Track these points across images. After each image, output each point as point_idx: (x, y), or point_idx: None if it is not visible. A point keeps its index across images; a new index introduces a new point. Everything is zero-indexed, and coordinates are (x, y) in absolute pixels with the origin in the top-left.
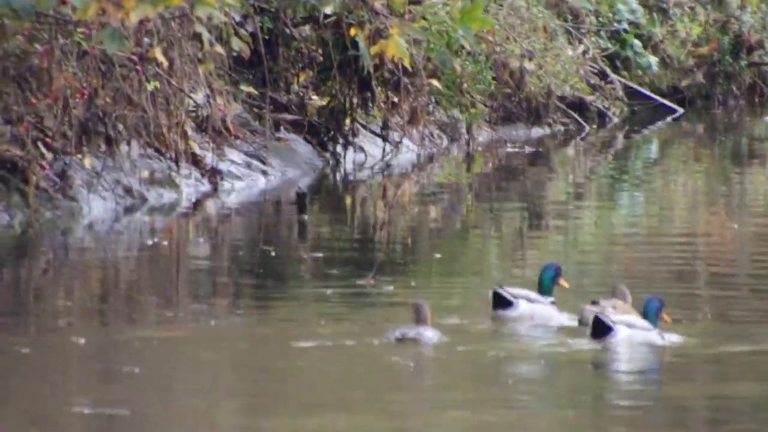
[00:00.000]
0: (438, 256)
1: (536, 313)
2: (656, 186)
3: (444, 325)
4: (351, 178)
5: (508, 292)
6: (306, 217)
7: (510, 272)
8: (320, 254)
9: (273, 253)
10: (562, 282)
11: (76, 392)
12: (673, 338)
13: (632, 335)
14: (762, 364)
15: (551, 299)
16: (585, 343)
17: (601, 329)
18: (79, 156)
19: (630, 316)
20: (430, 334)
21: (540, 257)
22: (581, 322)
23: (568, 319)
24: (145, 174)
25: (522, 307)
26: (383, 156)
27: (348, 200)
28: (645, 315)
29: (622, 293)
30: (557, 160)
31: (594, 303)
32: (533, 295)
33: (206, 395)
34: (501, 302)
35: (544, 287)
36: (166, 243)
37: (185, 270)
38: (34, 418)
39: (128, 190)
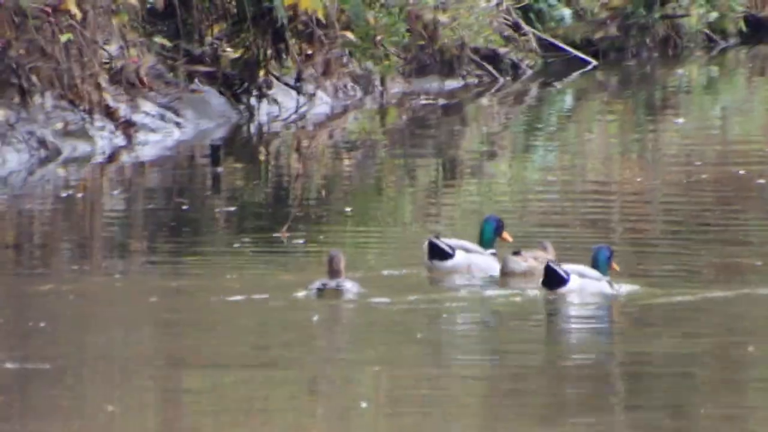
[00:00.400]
0: (349, 209)
1: (474, 264)
2: (570, 137)
3: (371, 278)
4: (265, 130)
5: (444, 242)
6: (220, 169)
7: (425, 224)
8: (234, 207)
9: (186, 206)
10: (506, 235)
11: None
12: (623, 288)
13: (584, 285)
14: (682, 314)
15: (492, 251)
16: (527, 294)
17: (554, 279)
18: None
19: (580, 266)
20: (349, 285)
21: (454, 209)
22: (503, 272)
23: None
24: (59, 126)
25: (459, 257)
26: (297, 108)
27: (262, 152)
28: (595, 264)
29: (548, 246)
30: (471, 113)
31: (516, 253)
32: (471, 245)
33: (122, 350)
34: (437, 253)
35: (485, 239)
36: (80, 195)
37: (99, 222)
38: None
39: (42, 142)
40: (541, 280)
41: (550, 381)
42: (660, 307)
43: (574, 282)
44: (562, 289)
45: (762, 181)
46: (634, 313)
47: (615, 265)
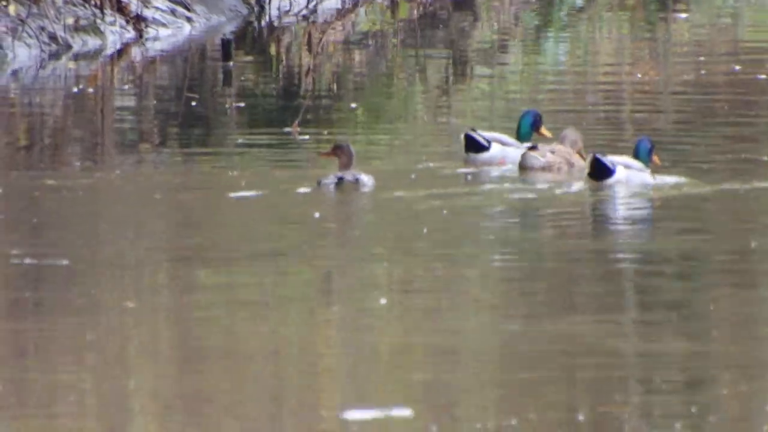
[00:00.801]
0: (360, 104)
1: (510, 157)
2: (581, 32)
3: (383, 172)
4: (276, 25)
5: (480, 135)
6: (231, 64)
7: (437, 119)
8: (244, 102)
9: (195, 102)
10: (544, 130)
11: (9, 243)
12: (665, 179)
13: (630, 176)
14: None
15: (528, 145)
16: (563, 187)
17: (601, 171)
18: (4, 3)
19: (624, 157)
20: (365, 178)
21: (465, 104)
22: (521, 167)
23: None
24: (70, 21)
25: (495, 150)
26: (308, 2)
27: (273, 47)
28: (637, 155)
29: (566, 137)
30: (482, 7)
31: (533, 148)
32: (507, 138)
33: (133, 246)
34: (473, 145)
35: (522, 133)
36: (90, 90)
37: (109, 118)
38: None
39: (53, 37)
40: (587, 171)
41: (563, 276)
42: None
43: (620, 173)
44: (609, 180)
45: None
46: (678, 205)
47: (656, 158)
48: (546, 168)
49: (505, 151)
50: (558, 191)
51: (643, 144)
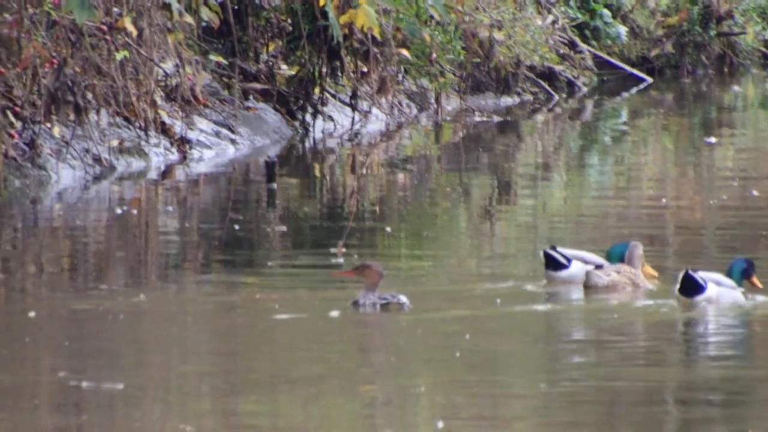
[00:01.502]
0: (404, 226)
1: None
2: (626, 156)
3: (424, 293)
4: (320, 147)
5: (560, 252)
6: (275, 185)
7: (480, 244)
8: (289, 223)
9: (238, 226)
10: (755, 280)
11: (63, 366)
12: (758, 299)
13: (721, 294)
14: None
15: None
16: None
17: (691, 287)
18: (48, 125)
19: (716, 274)
20: (404, 299)
21: (509, 228)
22: (586, 286)
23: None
24: (114, 143)
25: (575, 268)
26: (352, 125)
27: (317, 169)
28: (729, 274)
29: (633, 255)
30: (526, 130)
31: (599, 267)
32: (590, 256)
33: (183, 371)
34: (552, 263)
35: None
36: (134, 212)
37: (153, 239)
38: (31, 391)
39: (97, 159)
40: (677, 287)
41: (605, 407)
42: None
43: (711, 290)
44: (699, 297)
45: None
46: None
47: (756, 280)
48: (610, 287)
49: (585, 268)
50: (646, 308)
51: (737, 264)
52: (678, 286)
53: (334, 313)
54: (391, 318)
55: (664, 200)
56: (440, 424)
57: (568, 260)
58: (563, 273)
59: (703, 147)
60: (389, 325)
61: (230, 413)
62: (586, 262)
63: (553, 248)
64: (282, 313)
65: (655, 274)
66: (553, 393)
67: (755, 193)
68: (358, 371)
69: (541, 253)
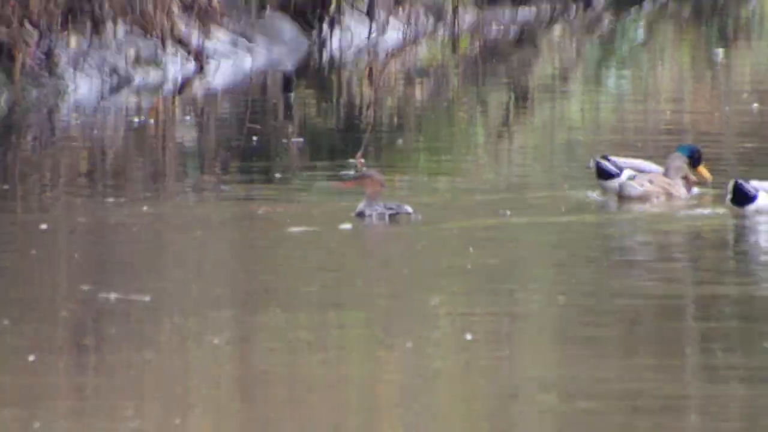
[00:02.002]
0: (421, 137)
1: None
2: (643, 67)
3: (441, 204)
4: (336, 58)
5: (612, 161)
6: (292, 96)
7: (496, 153)
8: (306, 134)
9: (255, 137)
10: (702, 170)
11: (84, 278)
12: None
13: None
14: None
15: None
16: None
17: (742, 197)
18: (65, 35)
19: (766, 182)
20: (410, 208)
21: (526, 137)
22: (620, 197)
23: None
24: (131, 53)
25: (626, 176)
26: (369, 36)
27: (334, 80)
28: None
29: (670, 166)
30: (543, 42)
31: (631, 178)
32: (643, 164)
33: (204, 283)
34: (604, 173)
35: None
36: (151, 122)
37: (170, 149)
38: (55, 303)
39: (114, 70)
40: (729, 197)
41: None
42: None
43: (762, 199)
44: (750, 207)
45: None
46: None
47: None
48: (643, 197)
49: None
50: (696, 219)
51: None
52: (729, 195)
53: (346, 226)
54: (401, 229)
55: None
56: (468, 336)
57: (620, 169)
58: (613, 182)
59: (720, 63)
60: (401, 236)
61: (251, 326)
62: (638, 169)
63: (605, 157)
64: (295, 226)
65: (708, 176)
66: (570, 306)
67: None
68: (374, 284)
69: (592, 163)
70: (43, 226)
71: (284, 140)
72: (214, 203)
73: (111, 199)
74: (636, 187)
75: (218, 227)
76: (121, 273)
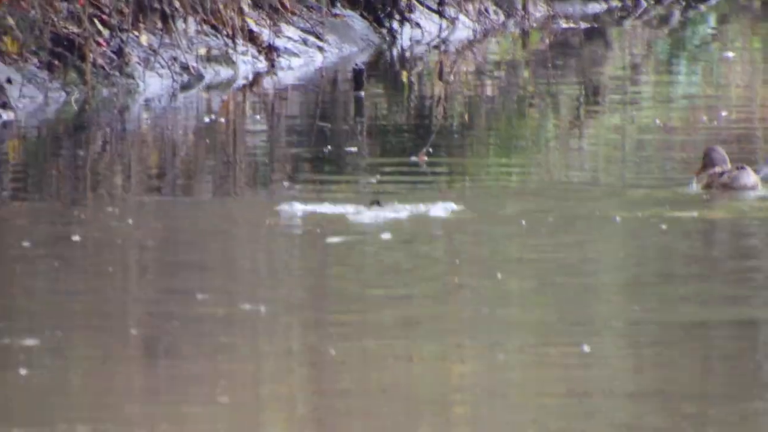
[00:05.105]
0: (492, 133)
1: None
2: (714, 61)
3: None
4: (407, 54)
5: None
6: (362, 93)
7: (568, 149)
8: (376, 130)
9: (328, 131)
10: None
11: (150, 283)
12: None
13: None
14: None
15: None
16: None
17: None
18: (136, 33)
19: None
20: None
21: (598, 132)
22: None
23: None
24: (202, 51)
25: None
26: (439, 32)
27: (404, 77)
28: None
29: (715, 160)
30: (614, 36)
31: (741, 168)
32: None
33: (284, 292)
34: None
35: None
36: (222, 120)
37: (241, 147)
38: (127, 307)
39: (185, 68)
40: None
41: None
42: None
43: None
44: None
45: None
46: None
47: None
48: (755, 186)
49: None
50: None
51: None
52: None
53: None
54: (464, 224)
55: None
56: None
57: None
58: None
59: None
60: (462, 231)
61: (323, 327)
62: None
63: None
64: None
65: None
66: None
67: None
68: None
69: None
70: (114, 223)
71: (354, 138)
72: (286, 202)
73: (181, 198)
74: (751, 176)
75: (290, 225)
76: (196, 275)
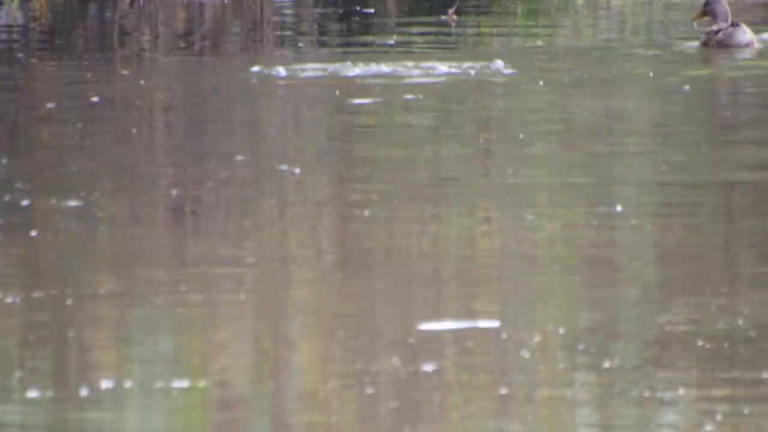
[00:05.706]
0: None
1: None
2: None
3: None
4: None
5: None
6: None
7: (596, 18)
8: None
9: None
10: None
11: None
12: None
13: None
14: None
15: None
16: None
17: None
18: None
19: None
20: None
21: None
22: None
23: None
24: None
25: None
26: None
27: None
28: None
29: (718, 14)
30: None
31: (736, 25)
32: None
33: (299, 154)
34: None
35: None
36: None
37: (269, 11)
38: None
39: None
40: None
41: None
42: None
43: None
44: None
45: None
46: None
47: None
48: (750, 44)
49: None
50: None
51: None
52: None
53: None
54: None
55: None
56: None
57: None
58: None
59: None
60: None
61: (352, 188)
62: None
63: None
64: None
65: None
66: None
67: None
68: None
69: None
70: (139, 83)
71: None
72: (313, 66)
73: (209, 57)
74: (747, 34)
75: (317, 90)
76: (222, 136)
